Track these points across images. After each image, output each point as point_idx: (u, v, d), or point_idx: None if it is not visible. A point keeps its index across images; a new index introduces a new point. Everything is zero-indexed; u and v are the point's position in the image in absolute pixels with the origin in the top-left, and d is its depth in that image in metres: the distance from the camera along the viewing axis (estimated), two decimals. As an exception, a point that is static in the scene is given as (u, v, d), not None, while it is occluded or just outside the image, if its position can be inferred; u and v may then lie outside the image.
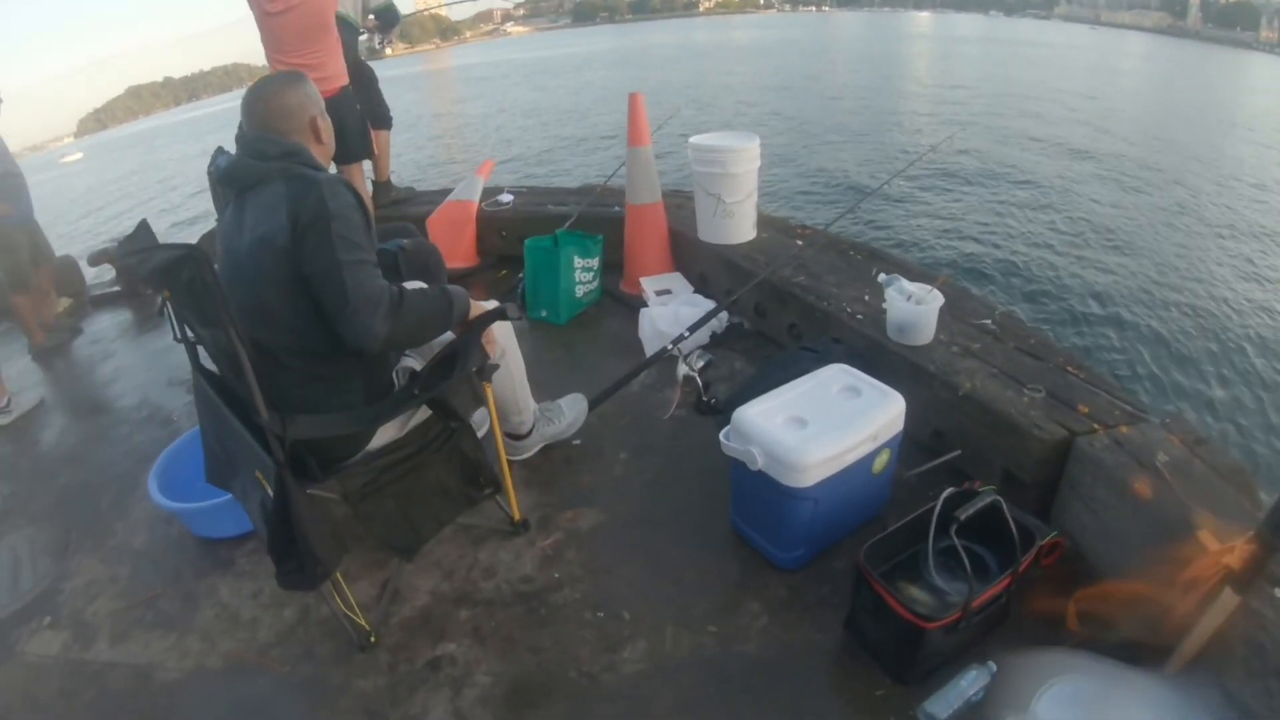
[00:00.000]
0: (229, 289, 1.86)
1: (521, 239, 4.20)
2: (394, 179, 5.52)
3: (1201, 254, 10.28)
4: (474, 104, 33.72)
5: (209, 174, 2.07)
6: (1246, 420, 6.42)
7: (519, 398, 2.74)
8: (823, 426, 2.26)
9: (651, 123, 3.97)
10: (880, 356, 2.90)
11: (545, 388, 3.09)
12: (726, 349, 3.59)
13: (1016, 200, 12.20)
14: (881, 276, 2.94)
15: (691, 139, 3.84)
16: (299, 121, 2.06)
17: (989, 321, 3.00)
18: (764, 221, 4.05)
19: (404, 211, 5.17)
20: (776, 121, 21.02)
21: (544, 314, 4.03)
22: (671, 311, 3.54)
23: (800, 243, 3.81)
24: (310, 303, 1.88)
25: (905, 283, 2.89)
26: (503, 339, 2.51)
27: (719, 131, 3.99)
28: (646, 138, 3.95)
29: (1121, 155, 16.19)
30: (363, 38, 5.12)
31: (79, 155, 52.29)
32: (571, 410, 3.03)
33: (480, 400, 2.24)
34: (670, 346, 3.25)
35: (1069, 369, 2.65)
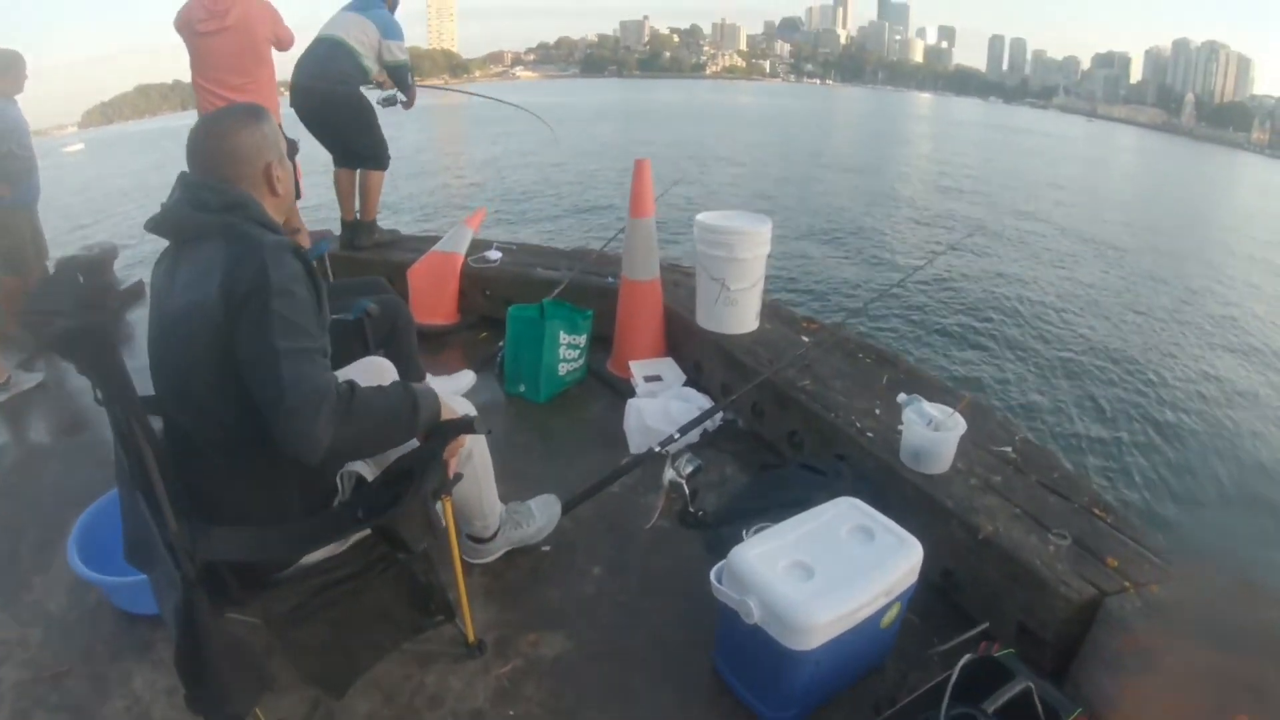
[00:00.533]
0: (154, 356, 1.66)
1: (506, 300, 3.94)
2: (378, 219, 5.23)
3: (1215, 366, 10.24)
4: (476, 145, 33.70)
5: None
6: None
7: (484, 502, 2.41)
8: (831, 578, 1.94)
9: (656, 188, 3.71)
10: (891, 483, 2.62)
11: (515, 477, 2.84)
12: (717, 450, 3.27)
13: (1027, 305, 11.89)
14: (901, 397, 2.64)
15: (699, 217, 3.56)
16: (251, 167, 1.74)
17: (1010, 449, 2.73)
18: (768, 310, 3.77)
19: (386, 256, 4.88)
20: (779, 197, 20.96)
21: (522, 389, 3.71)
22: (661, 406, 3.24)
23: (807, 339, 3.53)
24: (242, 388, 1.55)
25: (926, 405, 2.60)
26: (469, 438, 2.19)
27: (728, 210, 3.72)
28: (650, 208, 3.68)
29: (1132, 260, 16.33)
30: (372, 91, 4.90)
31: (80, 146, 52.06)
32: (543, 514, 2.69)
33: (436, 529, 1.89)
34: (657, 448, 2.94)
35: (1095, 511, 2.41)
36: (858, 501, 2.24)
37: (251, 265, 1.54)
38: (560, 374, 3.69)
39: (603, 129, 40.58)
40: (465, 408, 2.09)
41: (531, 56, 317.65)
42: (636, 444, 3.24)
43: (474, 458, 2.21)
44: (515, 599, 2.51)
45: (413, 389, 1.77)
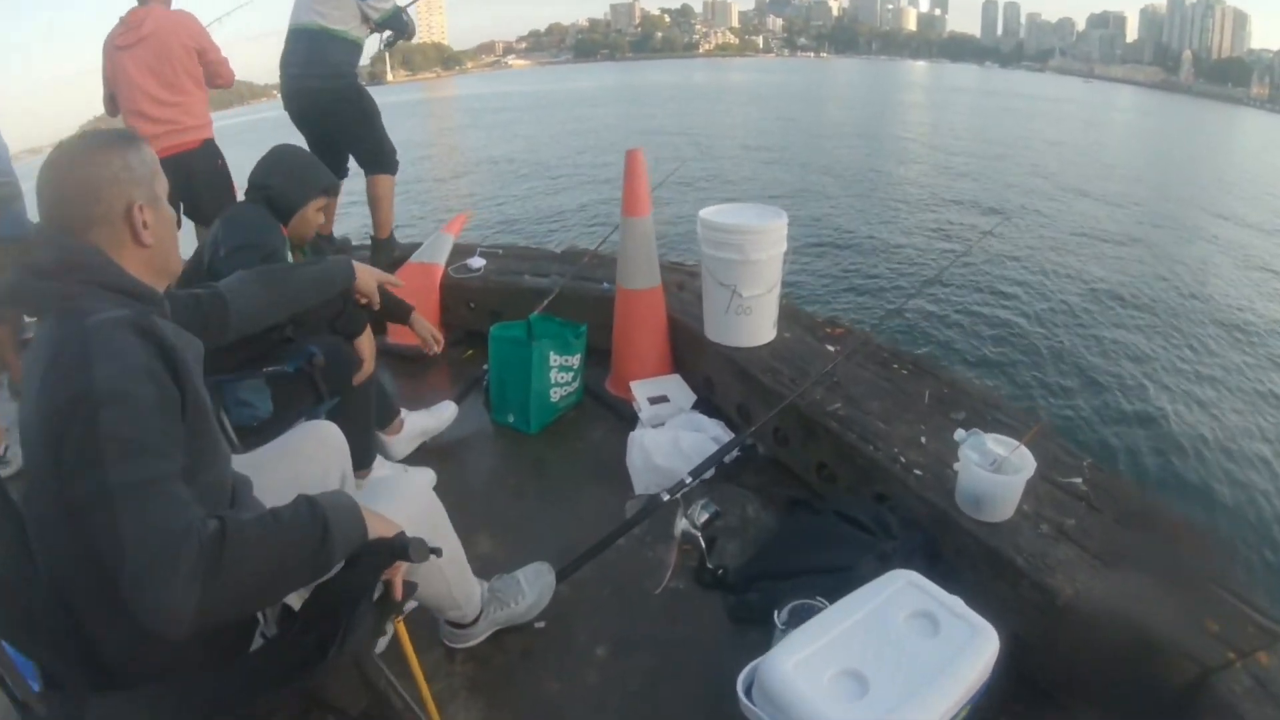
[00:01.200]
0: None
1: (492, 313, 3.58)
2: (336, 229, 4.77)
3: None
4: (468, 138, 33.08)
5: None
6: None
7: (454, 591, 1.97)
8: (891, 691, 1.52)
9: (654, 178, 3.25)
10: (946, 533, 2.19)
11: (507, 529, 2.63)
12: (737, 485, 2.82)
13: (1058, 293, 10.62)
14: (959, 434, 2.19)
15: (703, 213, 3.11)
16: (104, 208, 1.29)
17: (1079, 480, 2.29)
18: (785, 314, 3.30)
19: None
20: (783, 178, 19.70)
21: (511, 419, 3.26)
22: (669, 439, 2.79)
23: (832, 348, 3.08)
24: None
25: (988, 441, 2.15)
26: (429, 523, 1.75)
27: (735, 203, 3.26)
28: (645, 205, 3.23)
29: (1158, 230, 15.44)
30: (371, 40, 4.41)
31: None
32: (533, 587, 2.24)
33: (376, 686, 1.39)
34: (666, 495, 2.50)
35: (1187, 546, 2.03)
36: (915, 576, 1.81)
37: (70, 360, 1.13)
38: (553, 400, 3.24)
39: (597, 114, 39.81)
40: (410, 503, 1.69)
41: (523, 45, 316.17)
42: (643, 484, 2.80)
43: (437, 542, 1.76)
44: (504, 692, 2.08)
45: (321, 507, 1.23)
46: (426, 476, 2.99)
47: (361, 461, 2.82)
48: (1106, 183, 20.43)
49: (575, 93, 62.29)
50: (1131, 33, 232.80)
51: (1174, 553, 2.01)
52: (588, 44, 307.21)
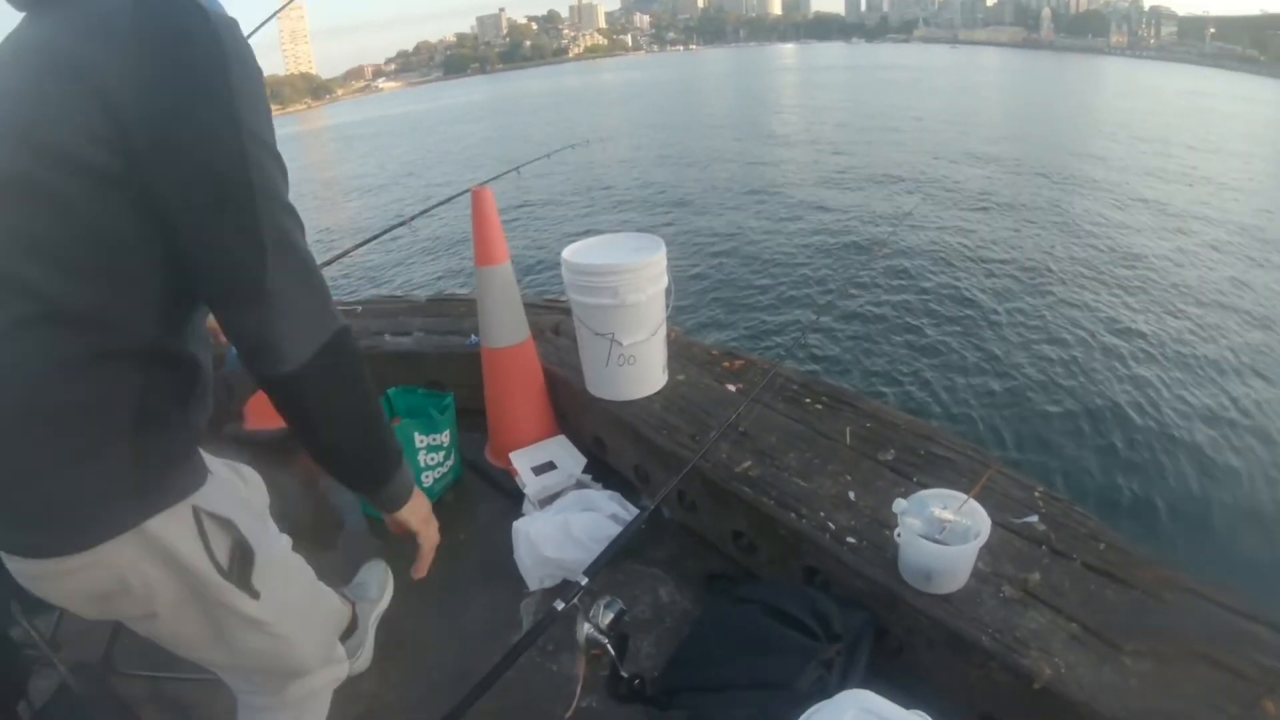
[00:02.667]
0: None
1: None
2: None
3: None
4: (341, 170, 31.89)
5: None
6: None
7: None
8: None
9: (513, 201, 2.83)
10: (894, 611, 1.85)
11: (385, 646, 2.27)
12: (644, 562, 2.44)
13: (966, 285, 9.65)
14: (899, 504, 1.83)
15: (565, 253, 2.70)
16: None
17: (1035, 520, 1.98)
18: (675, 350, 2.92)
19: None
20: (656, 184, 18.02)
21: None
22: (558, 526, 2.37)
23: (733, 387, 2.71)
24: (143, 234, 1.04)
25: (930, 503, 1.81)
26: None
27: (604, 235, 2.87)
28: (501, 251, 2.81)
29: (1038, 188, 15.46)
30: None
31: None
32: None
33: None
34: (560, 604, 2.09)
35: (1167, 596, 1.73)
36: (869, 699, 1.44)
37: (203, 32, 1.00)
38: (425, 485, 2.79)
39: (471, 131, 38.81)
40: None
41: (392, 67, 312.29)
42: (535, 579, 2.39)
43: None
44: None
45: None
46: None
47: None
48: (989, 146, 20.67)
49: (447, 110, 61.28)
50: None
51: (1160, 601, 1.72)
52: (457, 59, 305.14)
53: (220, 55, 1.00)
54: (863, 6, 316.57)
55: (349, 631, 2.00)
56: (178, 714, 2.19)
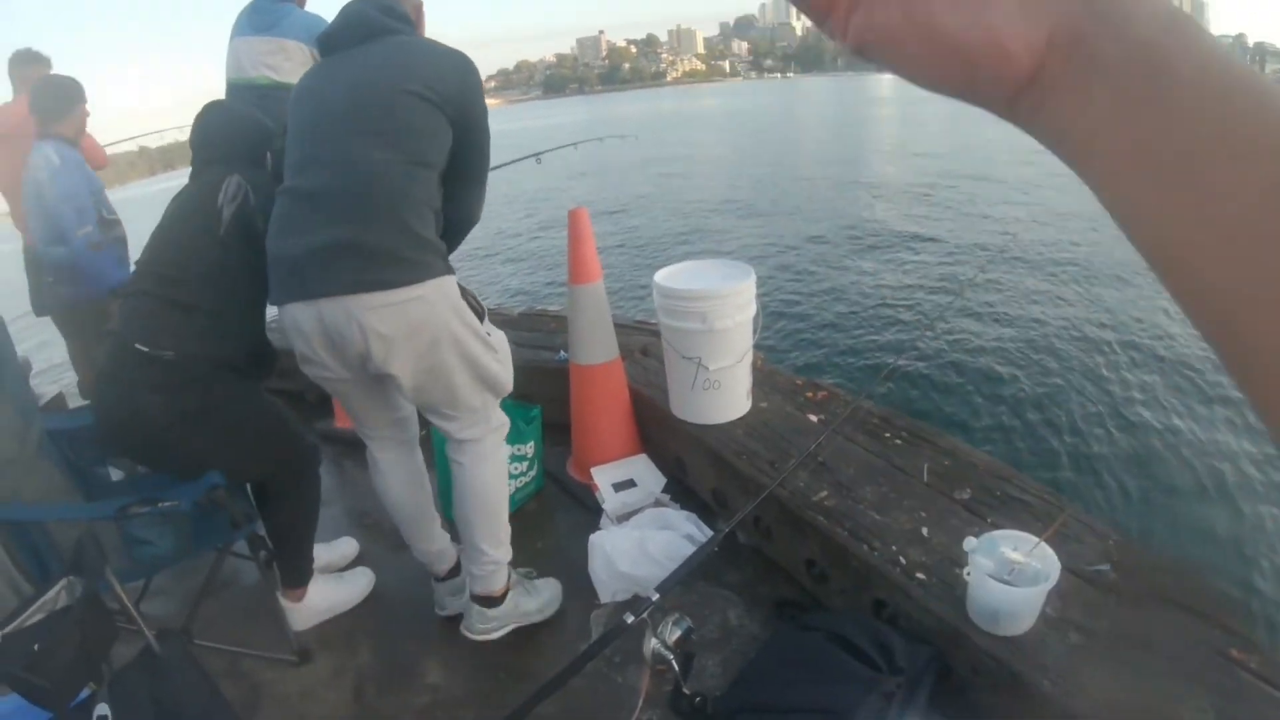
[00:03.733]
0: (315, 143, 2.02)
1: None
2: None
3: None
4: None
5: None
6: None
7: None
8: None
9: (607, 226, 2.92)
10: (958, 649, 1.86)
11: (456, 646, 2.39)
12: (715, 584, 2.49)
13: (1064, 333, 9.03)
14: (970, 541, 1.85)
15: (657, 277, 2.78)
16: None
17: (1107, 567, 1.97)
18: (760, 378, 2.97)
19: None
20: (753, 210, 17.64)
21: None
22: (635, 542, 2.44)
23: (815, 417, 2.74)
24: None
25: (1002, 544, 1.82)
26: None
27: (696, 261, 2.94)
28: (595, 270, 2.91)
29: None
30: None
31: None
32: (547, 587, 2.49)
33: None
34: (631, 618, 2.15)
35: (1234, 654, 1.68)
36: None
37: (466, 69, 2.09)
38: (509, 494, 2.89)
39: (569, 153, 39.10)
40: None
41: (492, 84, 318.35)
42: (608, 592, 2.46)
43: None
44: None
45: None
46: (348, 548, 2.87)
47: (295, 578, 2.50)
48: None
49: (550, 129, 62.13)
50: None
51: (1224, 655, 1.68)
52: (556, 79, 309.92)
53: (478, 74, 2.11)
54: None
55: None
56: (249, 690, 2.31)
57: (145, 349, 2.11)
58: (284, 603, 2.48)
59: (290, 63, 3.62)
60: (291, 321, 2.00)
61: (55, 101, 3.48)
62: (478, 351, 2.10)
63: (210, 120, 2.42)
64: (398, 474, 2.37)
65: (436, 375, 2.05)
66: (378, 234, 1.91)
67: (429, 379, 2.05)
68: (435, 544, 2.46)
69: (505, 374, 2.24)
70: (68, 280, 3.51)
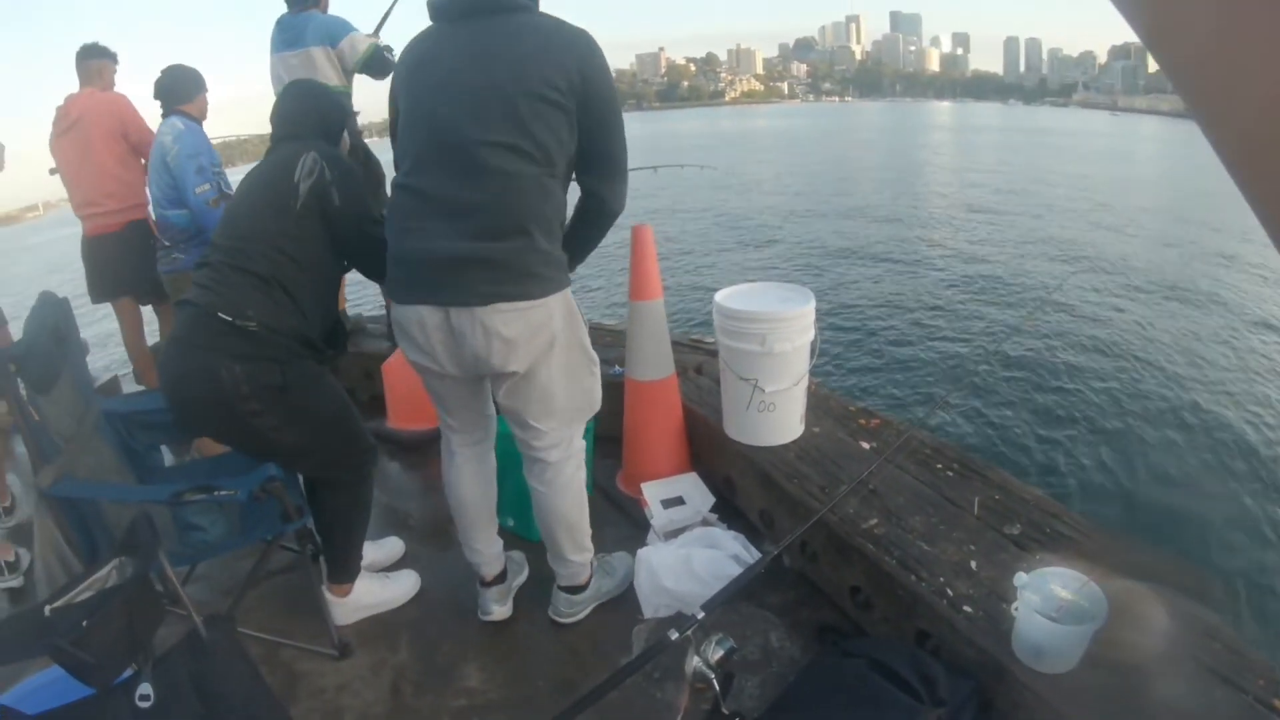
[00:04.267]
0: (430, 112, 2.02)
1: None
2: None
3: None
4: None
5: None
6: None
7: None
8: None
9: (670, 247, 2.96)
10: (1000, 683, 1.86)
11: (496, 652, 2.46)
12: (758, 604, 2.50)
13: (1121, 367, 8.89)
14: (1020, 577, 1.85)
15: (718, 297, 2.81)
16: None
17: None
18: (814, 402, 2.99)
19: (358, 346, 4.14)
20: (808, 232, 17.81)
21: (511, 523, 2.95)
22: (680, 559, 2.47)
23: (867, 444, 2.76)
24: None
25: (1051, 581, 1.82)
26: None
27: (756, 283, 2.97)
28: (656, 288, 2.95)
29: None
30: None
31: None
32: (621, 563, 2.67)
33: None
34: (674, 634, 2.17)
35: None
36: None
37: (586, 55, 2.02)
38: (556, 503, 2.93)
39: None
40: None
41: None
42: (651, 607, 2.49)
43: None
44: None
45: None
46: (393, 549, 2.93)
47: (343, 574, 2.56)
48: (1150, 221, 19.38)
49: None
50: (1154, 63, 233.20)
51: (1270, 710, 1.66)
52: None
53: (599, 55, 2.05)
54: (1022, 67, 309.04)
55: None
56: (287, 680, 2.36)
57: (229, 318, 2.15)
58: (329, 596, 2.54)
59: (318, 70, 3.79)
60: (415, 317, 2.07)
61: (183, 85, 3.63)
62: (583, 364, 2.25)
63: (291, 97, 2.48)
64: (473, 468, 2.44)
65: (541, 378, 2.14)
66: (511, 251, 1.98)
67: (532, 383, 2.14)
68: (492, 547, 2.50)
69: (598, 391, 2.37)
70: (182, 246, 3.62)
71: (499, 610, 2.55)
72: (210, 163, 3.50)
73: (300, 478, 2.50)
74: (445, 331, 2.05)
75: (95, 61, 4.10)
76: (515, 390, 2.15)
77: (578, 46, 1.99)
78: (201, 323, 2.18)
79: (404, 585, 2.73)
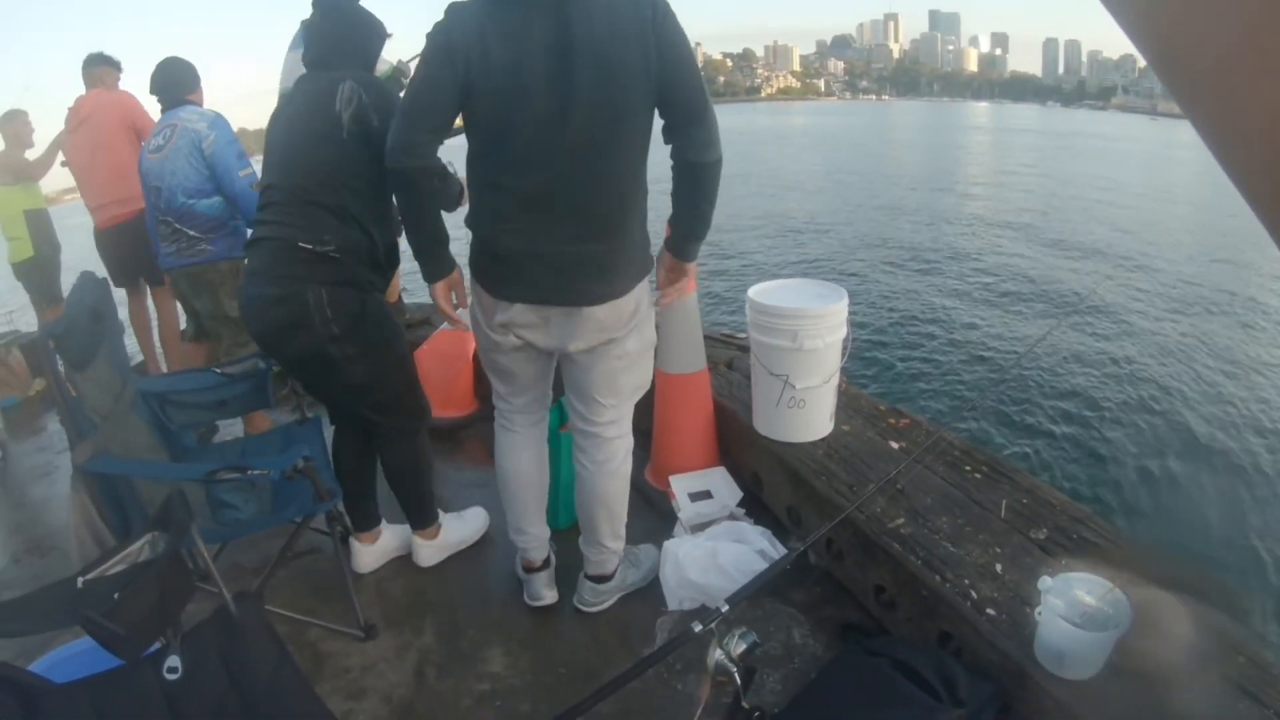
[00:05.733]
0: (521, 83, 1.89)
1: None
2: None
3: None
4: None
5: None
6: None
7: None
8: None
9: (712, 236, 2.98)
10: (1022, 689, 1.86)
11: (521, 638, 2.49)
12: (782, 600, 2.52)
13: (1156, 376, 8.71)
14: (1045, 580, 1.85)
15: (751, 292, 2.82)
16: None
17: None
18: (844, 400, 2.99)
19: (415, 336, 4.18)
20: (842, 231, 17.82)
21: (536, 509, 2.98)
22: (707, 552, 2.48)
23: (896, 444, 2.76)
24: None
25: (1076, 586, 1.83)
26: None
27: (790, 280, 2.97)
28: (690, 280, 2.95)
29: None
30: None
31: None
32: (647, 556, 2.70)
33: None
34: (698, 626, 2.19)
35: None
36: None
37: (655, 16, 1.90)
38: (584, 493, 2.96)
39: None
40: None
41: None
42: (676, 599, 2.51)
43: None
44: None
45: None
46: (482, 519, 3.01)
47: (426, 518, 2.75)
48: (1186, 229, 19.05)
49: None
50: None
51: None
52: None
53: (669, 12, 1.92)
54: (1060, 69, 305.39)
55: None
56: (312, 658, 2.41)
57: (310, 246, 2.25)
58: (416, 539, 2.76)
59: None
60: (509, 309, 2.12)
61: (187, 76, 3.64)
62: (649, 345, 2.34)
63: (323, 16, 2.43)
64: (531, 445, 2.48)
65: (615, 355, 2.21)
66: (611, 252, 2.05)
67: (607, 359, 2.21)
68: (543, 530, 2.55)
69: (651, 373, 2.42)
70: (210, 237, 3.55)
71: (549, 595, 2.59)
72: (242, 148, 3.54)
73: (330, 458, 2.56)
74: (543, 322, 2.13)
75: (98, 69, 4.34)
76: (590, 365, 2.21)
77: (641, 9, 1.88)
78: (283, 254, 2.28)
79: (478, 520, 2.93)
